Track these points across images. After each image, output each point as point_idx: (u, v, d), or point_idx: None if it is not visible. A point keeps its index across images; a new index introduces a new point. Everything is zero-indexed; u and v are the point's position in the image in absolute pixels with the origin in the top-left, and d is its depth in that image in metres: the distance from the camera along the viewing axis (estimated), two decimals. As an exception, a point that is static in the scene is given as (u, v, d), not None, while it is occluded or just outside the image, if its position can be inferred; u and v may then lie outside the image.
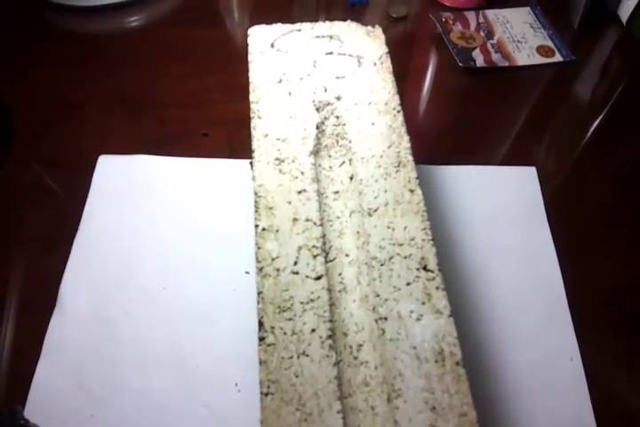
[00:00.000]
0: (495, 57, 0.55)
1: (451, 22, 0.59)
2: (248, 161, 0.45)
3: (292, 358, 0.28)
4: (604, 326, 0.40)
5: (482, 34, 0.58)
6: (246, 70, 0.40)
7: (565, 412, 0.36)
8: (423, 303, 0.29)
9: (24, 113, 0.51)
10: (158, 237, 0.43)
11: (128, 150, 0.48)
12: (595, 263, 0.43)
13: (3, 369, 0.37)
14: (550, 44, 0.57)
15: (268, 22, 0.42)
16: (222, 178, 0.47)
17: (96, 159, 0.47)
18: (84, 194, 0.45)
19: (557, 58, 0.56)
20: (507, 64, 0.55)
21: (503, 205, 0.45)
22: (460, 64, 0.55)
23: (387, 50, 0.41)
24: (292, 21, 0.42)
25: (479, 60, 0.55)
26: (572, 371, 0.37)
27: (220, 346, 0.38)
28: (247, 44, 0.41)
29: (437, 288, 0.29)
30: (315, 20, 0.43)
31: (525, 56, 0.56)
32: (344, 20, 0.43)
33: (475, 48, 0.56)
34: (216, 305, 0.40)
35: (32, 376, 0.37)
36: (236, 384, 0.37)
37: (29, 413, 0.35)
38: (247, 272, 0.42)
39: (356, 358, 0.29)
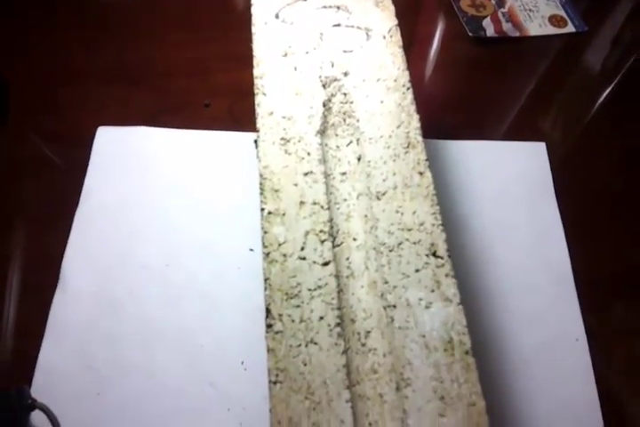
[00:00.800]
0: (506, 26, 0.54)
1: (460, -12, 0.56)
2: (251, 135, 0.43)
3: (300, 346, 0.27)
4: (610, 307, 0.40)
5: (493, 2, 0.56)
6: (249, 38, 0.39)
7: (570, 393, 0.36)
8: (432, 291, 0.28)
9: (21, 84, 0.50)
10: (160, 213, 0.43)
11: (128, 122, 0.47)
12: (603, 243, 0.43)
13: (7, 349, 0.37)
14: (563, 13, 0.55)
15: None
16: (225, 151, 0.46)
17: (95, 131, 0.46)
18: (84, 167, 0.45)
19: (570, 28, 0.54)
20: (518, 34, 0.53)
21: (511, 181, 0.44)
22: (470, 33, 0.53)
23: (396, 22, 0.39)
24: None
25: (489, 30, 0.53)
26: (578, 351, 0.37)
27: (225, 324, 0.38)
28: (251, 14, 0.40)
29: (447, 275, 0.29)
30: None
31: (537, 26, 0.54)
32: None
33: (485, 17, 0.54)
34: (220, 283, 0.40)
35: (37, 356, 0.37)
36: (242, 363, 0.37)
37: (35, 392, 0.35)
38: (251, 249, 0.41)
39: (364, 344, 0.28)
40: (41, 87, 0.50)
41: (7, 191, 0.44)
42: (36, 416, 0.34)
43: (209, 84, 0.50)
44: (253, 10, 0.40)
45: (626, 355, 0.38)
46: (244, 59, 0.39)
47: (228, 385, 0.36)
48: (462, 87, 0.51)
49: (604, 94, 0.51)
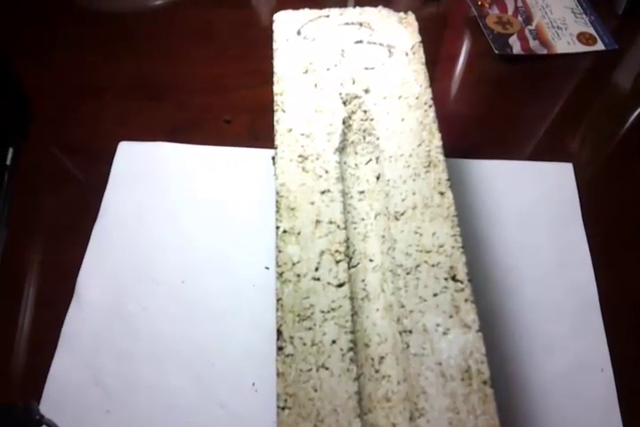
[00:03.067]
0: (533, 44, 0.53)
1: (487, 5, 0.56)
2: (271, 152, 0.43)
3: (310, 370, 0.26)
4: (638, 336, 0.38)
5: (519, 19, 0.55)
6: (270, 55, 0.38)
7: (594, 425, 0.34)
8: (450, 316, 0.27)
9: (43, 97, 0.50)
10: (177, 228, 0.42)
11: (148, 137, 0.47)
12: (630, 268, 0.41)
13: (19, 362, 0.37)
14: (592, 31, 0.54)
15: (295, 3, 0.40)
16: (244, 168, 0.46)
17: (116, 145, 0.46)
18: (104, 181, 0.45)
19: (599, 46, 0.53)
20: (545, 52, 0.52)
21: (536, 203, 0.43)
22: (496, 51, 0.52)
23: (419, 39, 0.38)
24: (319, 2, 0.40)
25: (516, 47, 0.52)
26: (603, 382, 0.36)
27: (237, 343, 0.38)
28: (272, 31, 0.40)
29: (466, 300, 0.28)
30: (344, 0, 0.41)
31: (565, 43, 0.53)
32: (375, 1, 0.41)
33: (512, 34, 0.53)
34: (235, 301, 0.39)
35: (48, 370, 0.36)
36: (254, 384, 0.36)
37: (44, 407, 0.35)
38: (267, 267, 0.40)
39: (377, 371, 0.27)
40: (63, 101, 0.50)
41: (27, 203, 0.44)
42: (44, 433, 0.34)
43: (230, 101, 0.50)
44: (275, 26, 0.40)
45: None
46: (265, 75, 0.38)
47: (238, 407, 0.35)
48: (487, 105, 0.50)
49: (634, 114, 0.50)
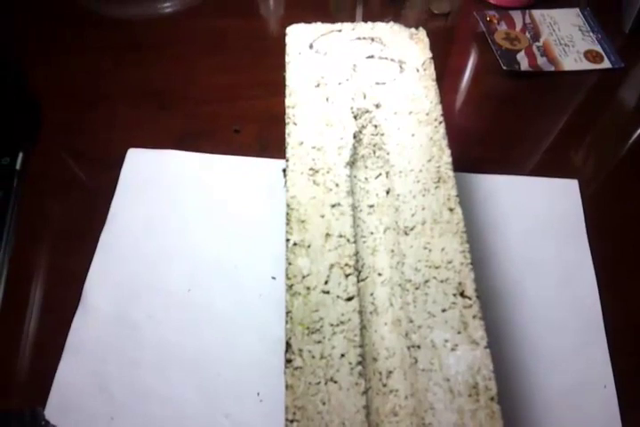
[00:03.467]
0: (541, 61, 0.53)
1: (495, 22, 0.56)
2: (280, 162, 0.44)
3: (319, 383, 0.27)
4: (640, 352, 0.38)
5: (527, 35, 0.55)
6: (279, 65, 0.39)
7: (596, 442, 0.35)
8: (459, 332, 0.28)
9: (53, 103, 0.50)
10: (184, 237, 0.43)
11: (157, 144, 0.47)
12: (635, 285, 0.41)
13: (25, 368, 0.37)
14: (599, 48, 0.54)
15: (304, 12, 0.41)
16: (252, 177, 0.46)
17: (125, 152, 0.47)
18: (112, 187, 0.45)
19: (606, 64, 0.54)
20: (552, 69, 0.53)
21: (541, 219, 0.44)
22: (504, 67, 0.52)
23: (430, 55, 0.39)
24: (328, 14, 0.41)
25: (524, 64, 0.53)
26: (605, 400, 0.36)
27: (243, 353, 0.38)
28: (283, 41, 0.40)
29: (474, 317, 0.28)
30: (352, 10, 0.41)
31: (572, 61, 0.53)
32: (382, 13, 0.41)
33: (520, 50, 0.54)
34: (241, 311, 0.39)
35: (54, 376, 0.36)
36: (258, 394, 0.36)
37: (49, 413, 0.35)
38: (274, 278, 0.41)
39: (385, 385, 0.28)
40: (73, 107, 0.51)
41: (35, 209, 0.44)
42: (49, 439, 0.34)
43: (238, 110, 0.51)
44: (288, 39, 0.40)
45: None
46: (275, 86, 0.39)
47: (243, 416, 0.35)
48: (494, 120, 0.51)
49: (639, 131, 0.50)
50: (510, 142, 0.49)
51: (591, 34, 0.56)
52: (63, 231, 0.43)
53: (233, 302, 0.40)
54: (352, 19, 0.56)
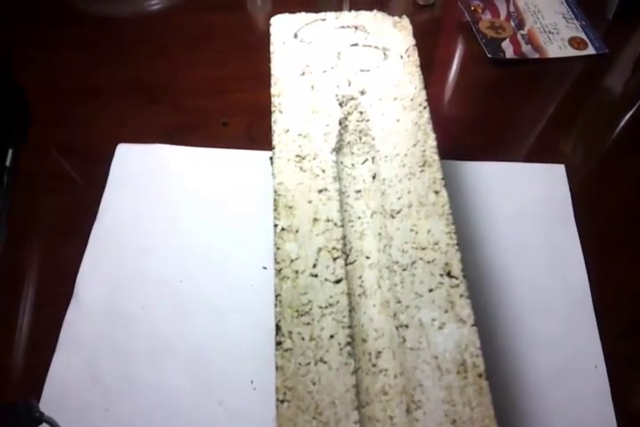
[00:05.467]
0: (525, 48, 0.54)
1: (480, 11, 0.57)
2: (268, 154, 0.44)
3: (309, 364, 0.27)
4: (630, 332, 0.39)
5: (512, 24, 0.56)
6: (267, 58, 0.39)
7: (587, 420, 0.35)
8: (446, 311, 0.28)
9: (41, 99, 0.50)
10: (175, 229, 0.43)
11: (146, 139, 0.47)
12: (623, 267, 0.42)
13: (19, 361, 0.37)
14: (583, 35, 0.55)
15: (291, 7, 0.41)
16: (241, 169, 0.46)
17: (114, 147, 0.47)
18: (102, 182, 0.45)
19: (590, 50, 0.54)
20: (537, 56, 0.53)
21: (529, 204, 0.44)
22: (489, 55, 0.53)
23: (414, 42, 0.39)
24: (315, 6, 0.41)
25: (509, 52, 0.53)
26: (596, 379, 0.36)
27: (235, 342, 0.38)
28: (269, 34, 0.40)
29: (461, 296, 0.28)
30: (339, 4, 0.42)
31: (557, 48, 0.54)
32: (369, 7, 0.41)
33: (504, 39, 0.54)
34: (233, 300, 0.40)
35: (47, 369, 0.36)
36: (252, 382, 0.37)
37: (44, 405, 0.35)
38: (265, 267, 0.41)
39: (374, 365, 0.28)
40: (61, 103, 0.51)
41: (26, 205, 0.44)
42: (44, 430, 0.34)
43: (227, 104, 0.51)
44: (272, 30, 0.40)
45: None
46: (262, 79, 0.39)
47: (237, 404, 0.36)
48: (481, 109, 0.51)
49: (625, 117, 0.51)
50: (497, 129, 0.49)
51: (575, 21, 0.56)
52: (54, 226, 0.43)
53: (224, 292, 0.40)
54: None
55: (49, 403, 0.35)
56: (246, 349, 0.38)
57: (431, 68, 0.54)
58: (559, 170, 0.46)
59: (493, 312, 0.39)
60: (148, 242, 0.42)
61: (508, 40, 0.54)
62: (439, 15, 0.59)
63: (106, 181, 0.45)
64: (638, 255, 0.42)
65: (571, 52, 0.54)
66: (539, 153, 0.48)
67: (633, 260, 0.42)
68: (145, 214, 0.43)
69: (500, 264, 0.41)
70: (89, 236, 0.42)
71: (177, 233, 0.43)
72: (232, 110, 0.50)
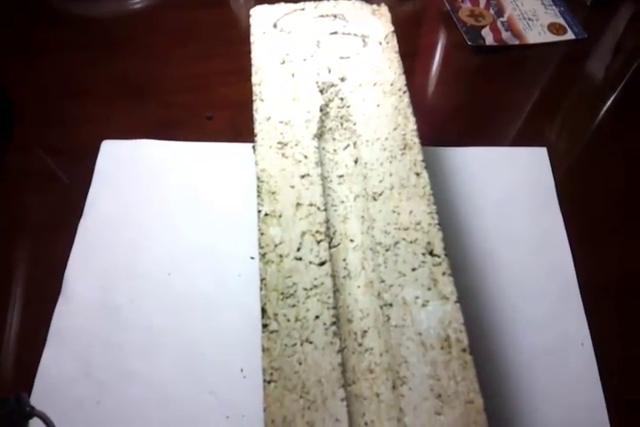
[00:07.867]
0: (505, 35, 0.54)
1: (459, 0, 0.57)
2: (251, 145, 0.44)
3: (295, 345, 0.27)
4: (615, 312, 0.39)
5: (491, 11, 0.56)
6: (249, 51, 0.39)
7: (576, 398, 0.35)
8: (429, 289, 0.28)
9: (26, 98, 0.51)
10: (163, 223, 0.43)
11: (132, 135, 0.47)
12: (607, 248, 0.42)
13: (9, 356, 0.37)
14: (562, 21, 0.55)
15: (273, 2, 0.41)
16: (227, 162, 0.46)
17: (99, 145, 0.47)
18: (88, 180, 0.45)
19: (569, 36, 0.54)
20: (517, 42, 0.54)
21: (513, 187, 0.44)
22: (469, 43, 0.53)
23: (392, 29, 0.39)
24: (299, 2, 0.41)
25: (489, 39, 0.54)
26: (583, 356, 0.36)
27: (225, 332, 0.38)
28: (250, 25, 0.40)
29: (444, 274, 0.29)
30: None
31: (536, 34, 0.54)
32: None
33: (484, 26, 0.55)
34: (221, 291, 0.40)
35: (38, 364, 0.36)
36: (242, 370, 0.37)
37: (35, 400, 0.35)
38: (252, 257, 0.41)
39: (360, 344, 0.28)
40: (46, 101, 0.51)
41: (12, 203, 0.44)
42: (35, 424, 0.34)
43: (211, 98, 0.51)
44: (252, 20, 0.40)
45: (633, 359, 0.37)
46: (245, 72, 0.39)
47: (228, 393, 0.36)
48: (463, 96, 0.52)
49: (607, 101, 0.51)
50: (481, 116, 0.50)
51: (554, 7, 0.57)
52: (41, 223, 0.44)
53: (213, 283, 0.40)
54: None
55: (40, 397, 0.35)
56: (236, 338, 0.38)
57: (414, 57, 0.54)
58: (541, 153, 0.46)
59: (480, 296, 0.39)
60: (136, 236, 0.42)
61: (487, 28, 0.55)
62: (420, 5, 0.59)
63: (92, 178, 0.45)
64: (621, 237, 0.43)
65: (550, 37, 0.54)
66: (522, 138, 0.48)
67: (616, 242, 0.42)
68: (131, 209, 0.44)
69: (486, 250, 0.41)
70: (76, 232, 0.42)
71: (164, 226, 0.43)
72: (217, 104, 0.50)
